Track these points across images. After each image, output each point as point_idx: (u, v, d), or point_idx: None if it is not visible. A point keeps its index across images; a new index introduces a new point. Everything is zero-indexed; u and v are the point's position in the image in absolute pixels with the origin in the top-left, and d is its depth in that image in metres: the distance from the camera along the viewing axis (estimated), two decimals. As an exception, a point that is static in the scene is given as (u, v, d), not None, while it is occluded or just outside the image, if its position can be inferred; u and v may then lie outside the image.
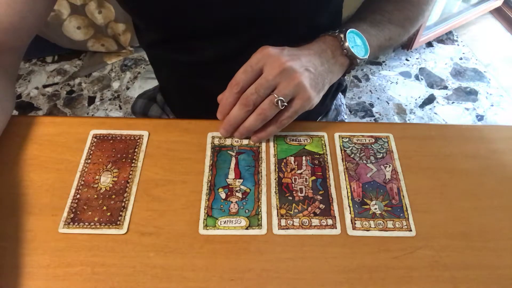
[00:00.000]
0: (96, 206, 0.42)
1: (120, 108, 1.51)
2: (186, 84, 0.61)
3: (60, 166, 0.45)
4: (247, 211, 0.42)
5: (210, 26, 0.48)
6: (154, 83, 0.77)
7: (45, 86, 1.57)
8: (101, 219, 0.41)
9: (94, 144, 0.47)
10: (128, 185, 0.44)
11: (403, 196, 0.44)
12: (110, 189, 0.43)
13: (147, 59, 1.68)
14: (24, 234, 0.40)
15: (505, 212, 0.43)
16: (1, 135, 0.45)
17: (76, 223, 0.40)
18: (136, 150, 0.46)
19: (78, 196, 0.42)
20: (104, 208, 0.42)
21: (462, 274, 0.38)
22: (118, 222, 0.41)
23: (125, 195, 0.43)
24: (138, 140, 0.47)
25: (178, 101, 0.68)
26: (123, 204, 0.42)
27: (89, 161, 0.45)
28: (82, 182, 0.43)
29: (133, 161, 0.46)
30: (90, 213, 0.41)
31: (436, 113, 1.54)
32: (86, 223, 0.41)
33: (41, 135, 0.47)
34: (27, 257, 0.38)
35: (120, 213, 0.41)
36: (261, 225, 0.41)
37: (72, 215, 0.41)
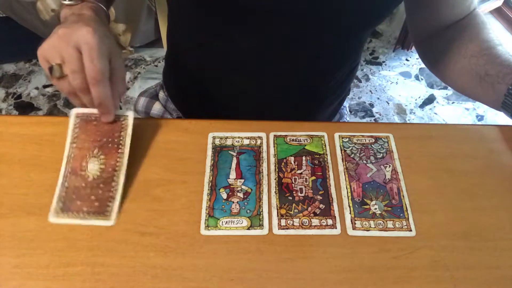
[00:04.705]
0: (84, 196, 0.41)
1: (120, 108, 1.51)
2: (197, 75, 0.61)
3: (60, 166, 0.45)
4: (248, 211, 0.42)
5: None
6: (154, 83, 0.77)
7: (45, 86, 1.57)
8: (89, 210, 0.40)
9: (77, 126, 0.44)
10: (115, 173, 0.42)
11: (403, 196, 0.44)
12: (98, 177, 0.42)
13: (147, 59, 1.68)
14: (24, 234, 0.40)
15: (505, 212, 0.43)
16: (1, 135, 0.45)
17: (65, 213, 0.40)
18: (122, 133, 0.44)
19: (66, 184, 0.42)
20: (92, 197, 0.41)
21: (462, 274, 0.38)
22: (106, 213, 0.40)
23: (113, 184, 0.42)
24: (123, 122, 0.45)
25: (181, 94, 0.69)
26: (111, 194, 0.41)
27: (74, 145, 0.44)
28: (70, 170, 0.42)
29: (120, 146, 0.43)
30: (79, 202, 0.41)
31: (436, 113, 1.54)
32: (75, 213, 0.40)
33: (41, 135, 0.47)
34: (27, 257, 0.38)
35: (108, 203, 0.41)
36: (262, 225, 0.41)
37: (61, 205, 0.40)
